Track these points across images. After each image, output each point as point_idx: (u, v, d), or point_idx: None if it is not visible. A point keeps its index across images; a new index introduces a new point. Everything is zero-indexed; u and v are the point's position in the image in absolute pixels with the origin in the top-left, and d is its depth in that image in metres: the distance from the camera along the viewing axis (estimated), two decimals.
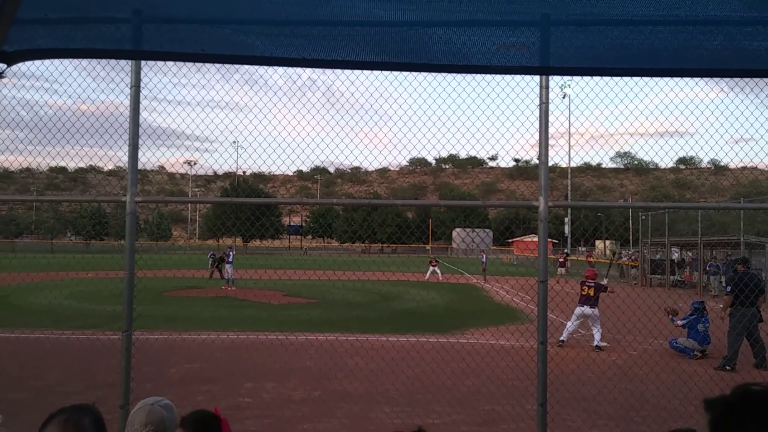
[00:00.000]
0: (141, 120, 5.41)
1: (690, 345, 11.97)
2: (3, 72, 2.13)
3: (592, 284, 13.19)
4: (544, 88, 5.15)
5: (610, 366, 10.34)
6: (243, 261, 33.42)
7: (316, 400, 8.30)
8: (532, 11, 2.00)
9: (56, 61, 5.68)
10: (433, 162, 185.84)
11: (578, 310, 13.09)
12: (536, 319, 5.35)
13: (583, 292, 13.19)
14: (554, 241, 70.92)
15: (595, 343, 12.63)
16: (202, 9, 2.11)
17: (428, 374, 9.15)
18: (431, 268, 34.07)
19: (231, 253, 26.74)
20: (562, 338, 12.96)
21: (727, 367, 10.70)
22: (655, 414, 7.76)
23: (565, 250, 48.20)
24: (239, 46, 2.28)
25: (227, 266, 26.08)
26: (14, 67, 2.24)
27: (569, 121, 59.25)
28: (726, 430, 1.06)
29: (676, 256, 34.17)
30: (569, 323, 13.18)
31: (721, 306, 11.73)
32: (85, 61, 5.51)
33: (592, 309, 12.91)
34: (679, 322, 12.27)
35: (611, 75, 2.36)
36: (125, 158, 5.38)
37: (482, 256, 35.59)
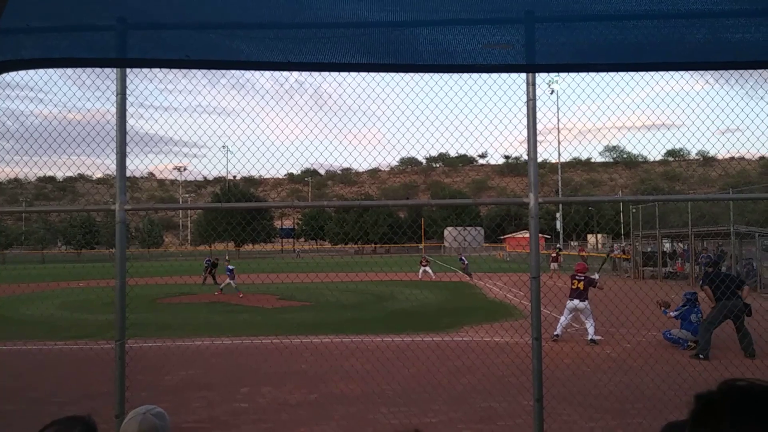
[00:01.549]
0: (128, 127, 5.39)
1: (683, 336, 12.07)
2: None
3: (582, 278, 13.31)
4: (531, 85, 5.17)
5: (604, 359, 10.40)
6: (235, 266, 33.31)
7: (313, 403, 8.28)
8: (516, 8, 2.01)
9: (41, 71, 5.65)
10: (424, 161, 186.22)
11: (569, 303, 13.22)
12: (530, 315, 5.37)
13: (573, 286, 13.32)
14: (546, 236, 71.26)
15: (590, 337, 12.72)
16: (186, 14, 2.10)
17: (424, 373, 9.16)
18: (422, 268, 34.02)
19: (231, 267, 25.69)
20: (556, 333, 13.06)
21: (701, 356, 10.86)
22: (651, 406, 7.80)
23: (558, 245, 48.39)
24: (225, 51, 2.27)
25: (227, 274, 25.33)
26: None
27: (557, 116, 59.55)
28: (704, 423, 1.07)
29: (667, 247, 34.38)
30: (562, 317, 13.31)
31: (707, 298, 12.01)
32: (70, 70, 5.49)
33: (583, 302, 13.02)
34: (672, 314, 12.39)
35: (596, 71, 2.36)
36: (114, 166, 5.36)
37: (461, 256, 35.51)
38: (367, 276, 30.35)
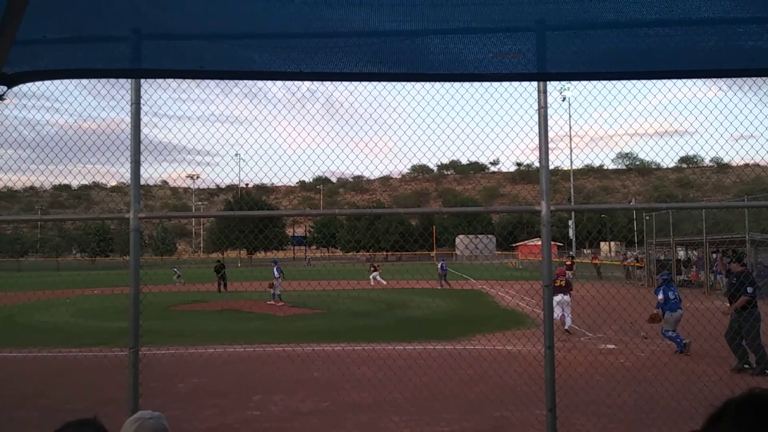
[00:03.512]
0: (142, 136, 5.44)
1: (672, 322, 12.25)
2: (3, 94, 2.15)
3: (563, 278, 15.99)
4: (543, 93, 5.16)
5: (618, 369, 10.30)
6: (248, 273, 33.42)
7: (325, 411, 8.28)
8: (527, 17, 2.01)
9: (57, 81, 5.72)
10: (435, 168, 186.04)
11: (555, 298, 14.59)
12: (542, 323, 5.34)
13: (556, 284, 14.58)
14: (558, 244, 70.79)
15: (567, 326, 15.10)
16: (200, 25, 2.13)
17: (436, 382, 9.12)
18: (373, 274, 33.02)
19: (279, 267, 25.00)
20: (566, 327, 14.93)
21: (745, 366, 10.41)
22: (665, 416, 7.71)
23: (570, 253, 48.06)
24: (238, 61, 2.29)
25: (278, 280, 24.41)
26: (15, 88, 2.26)
27: (569, 124, 59.31)
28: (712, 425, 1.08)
29: (681, 255, 34.05)
30: (556, 312, 14.80)
31: (729, 305, 11.33)
32: (86, 80, 5.56)
33: (567, 296, 15.46)
34: (659, 297, 12.56)
35: (607, 79, 2.36)
36: (128, 174, 5.41)
37: (441, 264, 35.41)
38: (378, 283, 30.33)
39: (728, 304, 11.08)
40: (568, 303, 15.37)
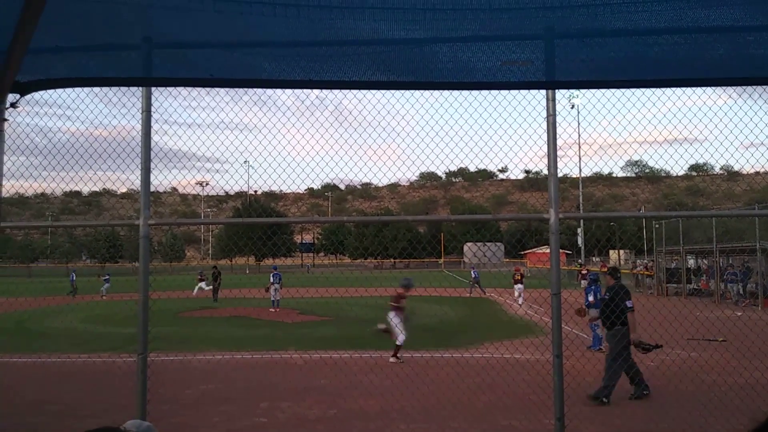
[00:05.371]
0: (153, 143, 5.48)
1: (596, 319, 12.76)
2: (17, 102, 2.18)
3: (521, 274, 25.81)
4: (551, 101, 5.16)
5: (627, 378, 10.21)
6: (256, 280, 33.44)
7: (332, 418, 8.26)
8: (535, 25, 2.01)
9: (69, 89, 5.77)
10: (443, 176, 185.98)
11: (517, 287, 25.60)
12: (551, 332, 5.31)
13: (517, 278, 25.70)
14: (567, 252, 70.47)
15: (520, 302, 24.24)
16: (210, 34, 2.14)
17: (444, 390, 9.09)
18: (198, 284, 31.65)
19: (278, 274, 25.07)
20: (520, 303, 24.01)
21: (604, 400, 8.87)
22: (675, 426, 7.64)
23: (579, 261, 47.74)
24: (248, 69, 2.31)
25: (275, 287, 24.47)
26: (28, 95, 2.29)
27: (578, 131, 59.08)
28: None
29: (691, 264, 33.79)
30: (516, 295, 25.45)
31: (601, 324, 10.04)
32: (97, 87, 5.60)
33: (522, 285, 25.17)
34: (590, 298, 13.65)
35: (616, 87, 2.35)
36: (138, 181, 5.45)
37: (472, 272, 34.97)
38: (386, 291, 30.23)
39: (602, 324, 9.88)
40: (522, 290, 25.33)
